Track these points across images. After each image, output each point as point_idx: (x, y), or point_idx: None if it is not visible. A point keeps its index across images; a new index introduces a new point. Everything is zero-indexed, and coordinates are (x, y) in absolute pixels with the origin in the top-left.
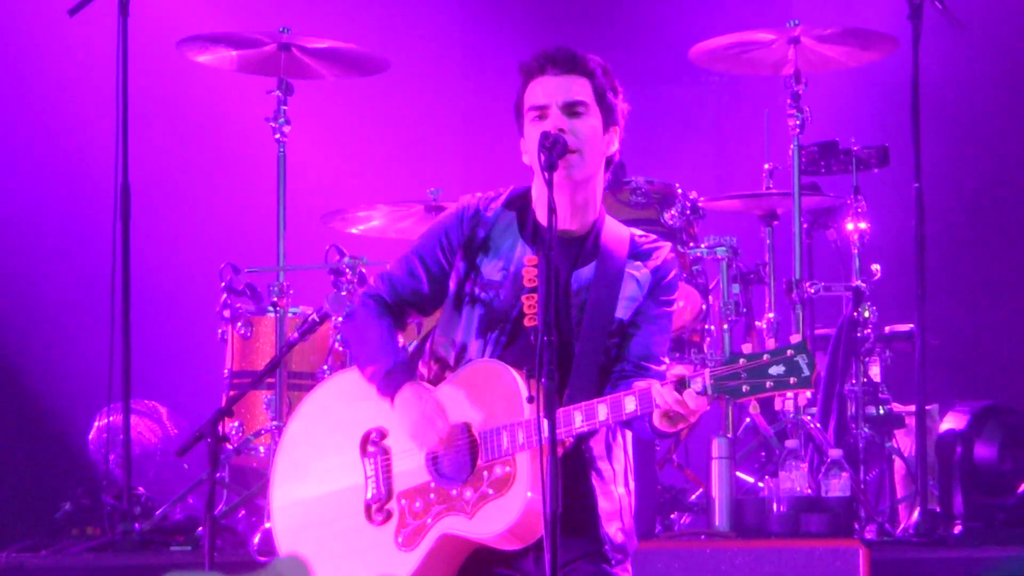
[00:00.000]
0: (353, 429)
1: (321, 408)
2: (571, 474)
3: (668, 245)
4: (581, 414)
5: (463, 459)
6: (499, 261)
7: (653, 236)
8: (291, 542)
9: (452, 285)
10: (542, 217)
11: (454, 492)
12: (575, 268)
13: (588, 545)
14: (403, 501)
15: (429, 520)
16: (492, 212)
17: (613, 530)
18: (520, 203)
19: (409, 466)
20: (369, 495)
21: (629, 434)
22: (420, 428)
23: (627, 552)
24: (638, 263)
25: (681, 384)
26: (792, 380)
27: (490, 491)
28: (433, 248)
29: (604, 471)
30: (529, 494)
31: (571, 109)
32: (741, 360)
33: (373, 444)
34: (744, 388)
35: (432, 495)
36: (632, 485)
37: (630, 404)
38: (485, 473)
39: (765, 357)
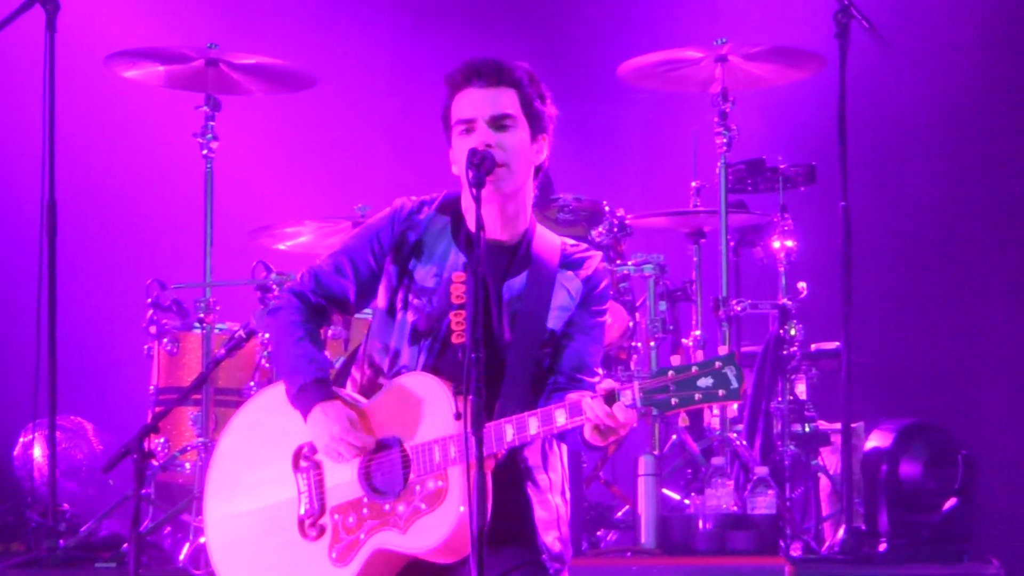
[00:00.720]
0: (285, 443)
1: (253, 422)
2: (506, 484)
3: (599, 255)
4: (512, 428)
5: (395, 474)
6: (432, 267)
7: (584, 245)
8: (225, 557)
9: (385, 290)
10: (473, 225)
11: (387, 507)
12: (506, 278)
13: (525, 555)
14: (336, 516)
15: (362, 535)
16: (424, 215)
17: (551, 539)
18: (453, 208)
19: (342, 480)
20: (302, 510)
21: (564, 445)
22: (330, 449)
23: (564, 561)
24: (569, 273)
25: (611, 397)
26: (720, 392)
27: (423, 505)
28: (363, 249)
29: (540, 480)
30: (462, 508)
31: (498, 123)
32: (670, 373)
33: (305, 459)
34: (673, 400)
35: (365, 510)
36: (568, 495)
37: (560, 417)
38: (417, 487)
39: (694, 369)
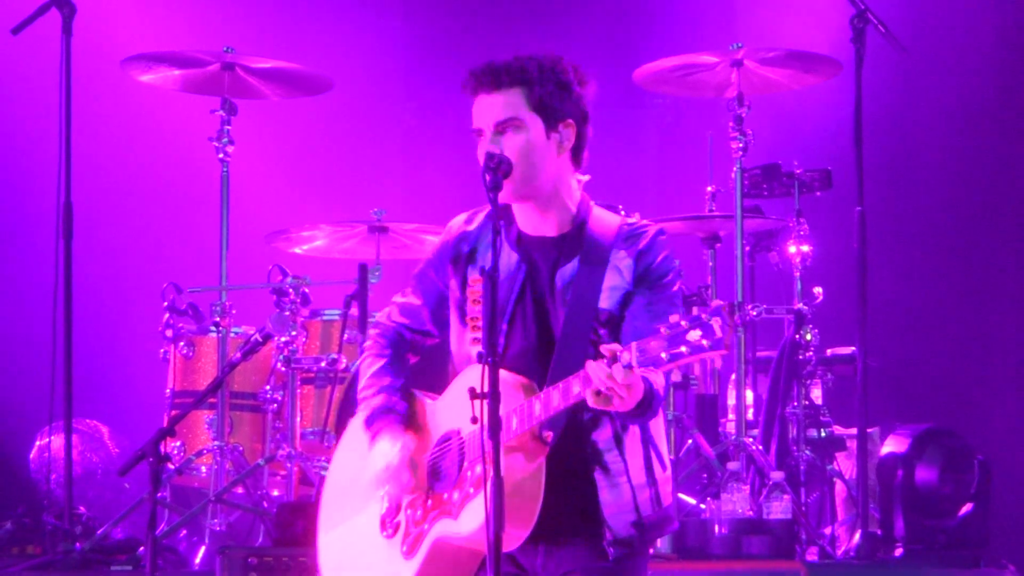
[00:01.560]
0: (372, 467)
1: (352, 444)
2: (570, 471)
3: (655, 228)
4: (539, 403)
5: (453, 463)
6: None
7: (644, 222)
8: (332, 566)
9: (454, 303)
10: (523, 224)
11: (445, 496)
12: (558, 267)
13: (586, 550)
14: (408, 511)
15: (426, 526)
16: (476, 225)
17: (620, 522)
18: (504, 211)
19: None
20: (383, 510)
21: (658, 422)
22: (386, 478)
23: (633, 546)
24: (622, 252)
25: (612, 360)
26: (705, 343)
27: (471, 490)
28: (427, 273)
29: (612, 463)
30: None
31: (500, 129)
32: (663, 329)
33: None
34: (663, 355)
35: (429, 501)
36: (661, 473)
37: (575, 386)
38: (468, 474)
39: (683, 324)
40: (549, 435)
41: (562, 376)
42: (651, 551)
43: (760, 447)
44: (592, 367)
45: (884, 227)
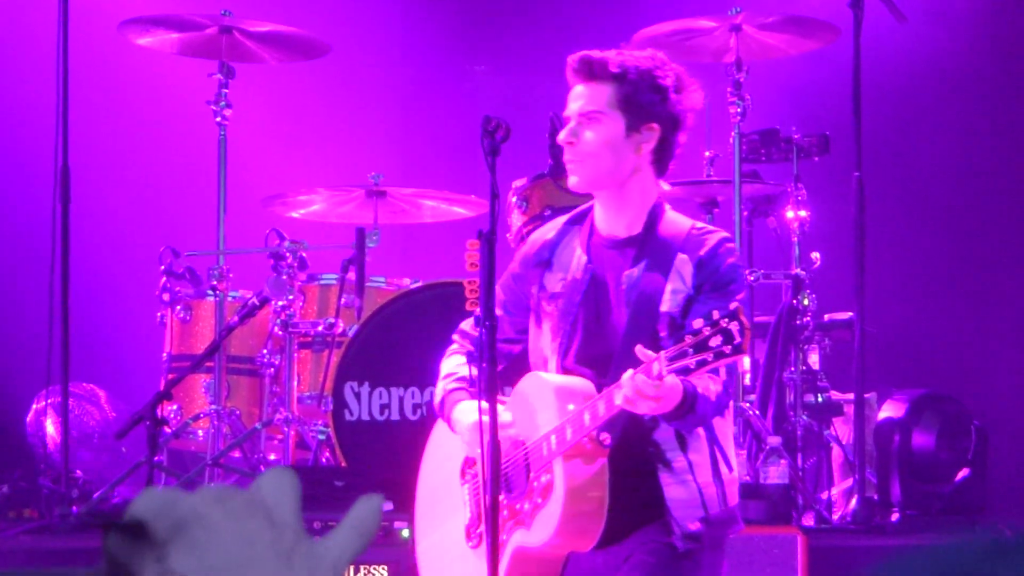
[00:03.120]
0: (455, 460)
1: (437, 443)
2: (631, 472)
3: (720, 234)
4: (588, 413)
5: (521, 473)
6: (559, 272)
7: (711, 228)
8: (427, 567)
9: (531, 303)
10: (601, 224)
11: (518, 506)
12: (624, 268)
13: (653, 536)
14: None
15: (504, 536)
16: (556, 233)
17: (688, 516)
18: (581, 218)
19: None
20: (467, 520)
21: (725, 423)
22: (473, 445)
23: (702, 540)
24: (685, 256)
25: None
26: (727, 349)
27: (539, 500)
28: (508, 284)
29: (675, 462)
30: (563, 495)
31: (582, 120)
32: (687, 337)
33: (467, 471)
34: (690, 365)
35: (505, 512)
36: (727, 473)
37: (617, 397)
38: (535, 484)
39: (705, 330)
40: (607, 438)
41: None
42: (725, 551)
43: (757, 412)
44: (626, 379)
45: (882, 192)
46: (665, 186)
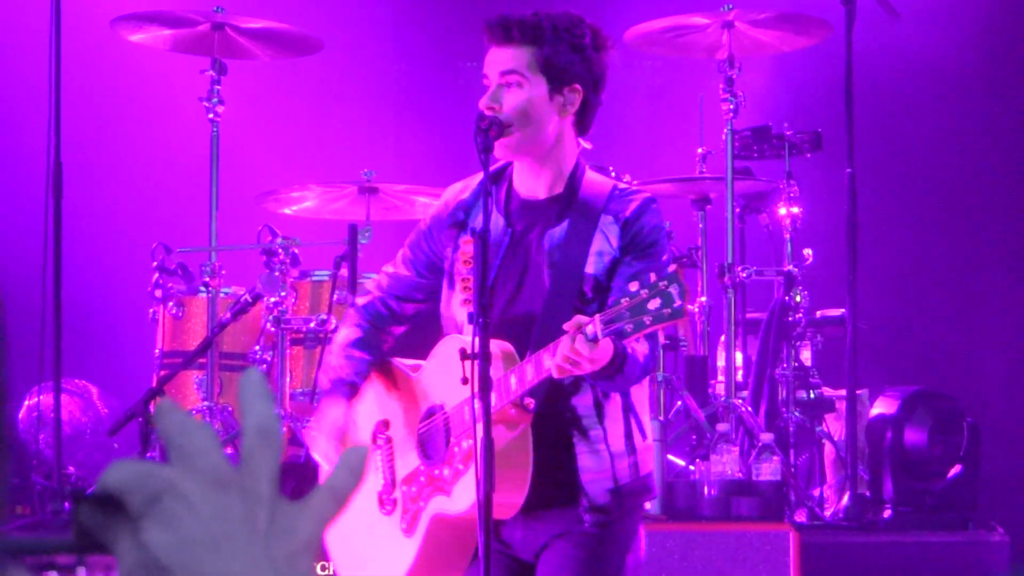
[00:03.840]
0: (367, 424)
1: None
2: (550, 438)
3: (644, 195)
4: (515, 377)
5: (440, 438)
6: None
7: (635, 188)
8: (333, 538)
9: (446, 268)
10: (520, 185)
11: (436, 472)
12: (547, 228)
13: (562, 513)
14: (404, 487)
15: (422, 503)
16: (471, 193)
17: (597, 489)
18: (500, 176)
19: (406, 452)
20: (379, 486)
21: (641, 391)
22: (403, 433)
23: (609, 512)
24: (610, 217)
25: (578, 332)
26: (667, 311)
27: (460, 466)
28: (419, 242)
29: (591, 429)
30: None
31: (505, 82)
32: (624, 300)
33: (380, 435)
34: (627, 328)
35: (422, 478)
36: (641, 442)
37: (547, 360)
38: (456, 449)
39: (643, 293)
40: (531, 402)
41: (546, 342)
42: (639, 518)
43: (749, 409)
44: (561, 342)
45: (874, 189)
46: (585, 144)
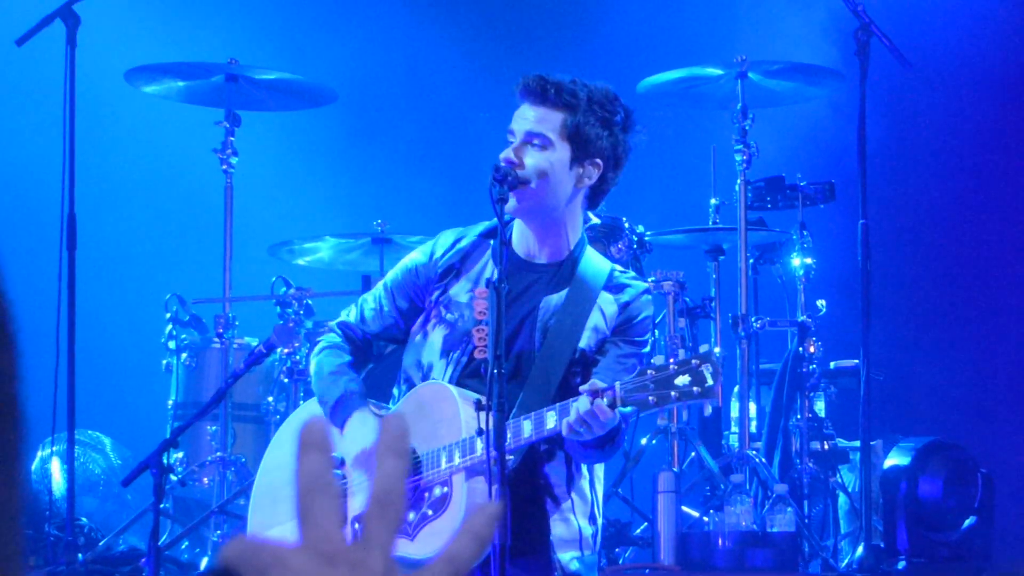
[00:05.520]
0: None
1: (291, 437)
2: (523, 498)
3: (646, 286)
4: (511, 432)
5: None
6: (468, 283)
7: (633, 273)
8: None
9: (424, 312)
10: (520, 246)
11: None
12: (545, 294)
13: (538, 571)
14: (356, 526)
15: None
16: (468, 243)
17: (567, 558)
18: (502, 231)
19: (361, 490)
20: None
21: (600, 471)
22: (361, 459)
23: None
24: (610, 296)
25: (596, 396)
26: (696, 390)
27: (429, 512)
28: (402, 282)
29: (561, 499)
30: (464, 512)
31: (531, 141)
32: (649, 372)
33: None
34: (651, 399)
35: None
36: (599, 520)
37: (551, 420)
38: (426, 494)
39: (672, 367)
40: (509, 458)
41: (535, 403)
42: None
43: (763, 459)
44: (575, 404)
45: (887, 240)
46: (594, 220)
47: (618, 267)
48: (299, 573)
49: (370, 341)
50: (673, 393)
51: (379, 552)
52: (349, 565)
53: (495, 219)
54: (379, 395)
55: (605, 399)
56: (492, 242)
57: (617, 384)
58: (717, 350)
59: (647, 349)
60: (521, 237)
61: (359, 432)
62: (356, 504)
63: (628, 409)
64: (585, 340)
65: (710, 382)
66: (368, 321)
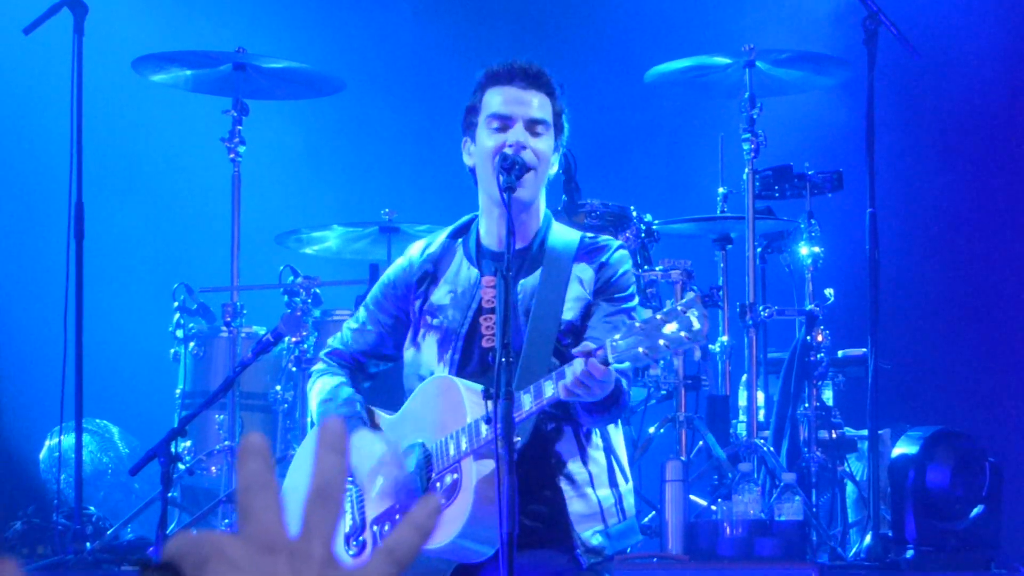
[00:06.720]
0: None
1: (308, 456)
2: (536, 482)
3: (616, 243)
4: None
5: (418, 475)
6: (446, 286)
7: (604, 237)
8: None
9: (412, 326)
10: (485, 235)
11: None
12: (520, 279)
13: (559, 557)
14: (375, 527)
15: None
16: (437, 247)
17: (589, 534)
18: (464, 231)
19: (377, 492)
20: (347, 528)
21: (618, 433)
22: (371, 477)
23: (604, 554)
24: (584, 264)
25: (588, 357)
26: (684, 336)
27: (442, 500)
28: (381, 299)
29: (576, 474)
30: (474, 494)
31: (534, 127)
32: (637, 324)
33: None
34: (641, 351)
35: (397, 516)
36: (626, 484)
37: (548, 388)
38: (438, 484)
39: (658, 316)
40: (517, 439)
41: (529, 381)
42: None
43: (771, 448)
44: (570, 367)
45: (895, 229)
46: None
47: (588, 234)
48: (237, 562)
49: (361, 361)
50: (662, 342)
51: (319, 541)
52: (288, 553)
53: (460, 219)
54: (387, 405)
55: (597, 358)
56: (460, 240)
57: (607, 341)
58: (698, 299)
59: (634, 302)
60: (489, 229)
61: (359, 450)
62: (373, 507)
63: (626, 365)
64: (568, 312)
65: (697, 325)
66: (351, 342)
